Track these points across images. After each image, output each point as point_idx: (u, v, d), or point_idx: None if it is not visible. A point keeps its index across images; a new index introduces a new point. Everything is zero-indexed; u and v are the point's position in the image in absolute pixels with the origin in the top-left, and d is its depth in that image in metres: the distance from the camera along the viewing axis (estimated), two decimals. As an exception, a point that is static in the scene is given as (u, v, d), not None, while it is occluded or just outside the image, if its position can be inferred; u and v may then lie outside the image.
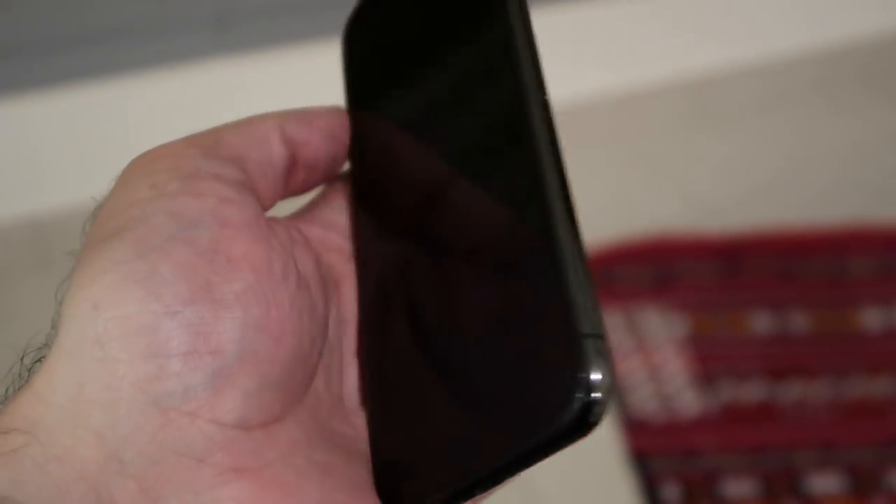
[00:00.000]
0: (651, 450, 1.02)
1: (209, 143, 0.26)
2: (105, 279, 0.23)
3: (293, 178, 0.28)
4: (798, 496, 0.99)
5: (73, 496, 0.22)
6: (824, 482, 1.00)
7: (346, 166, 0.30)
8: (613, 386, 0.21)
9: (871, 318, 1.15)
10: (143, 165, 0.25)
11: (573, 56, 1.25)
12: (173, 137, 0.26)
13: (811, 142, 1.37)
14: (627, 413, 1.02)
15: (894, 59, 1.45)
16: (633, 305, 1.12)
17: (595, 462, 0.98)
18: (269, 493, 0.23)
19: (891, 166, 1.34)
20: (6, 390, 0.24)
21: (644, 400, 1.04)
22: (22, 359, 0.24)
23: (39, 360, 0.24)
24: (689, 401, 1.06)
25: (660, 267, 1.18)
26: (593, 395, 0.20)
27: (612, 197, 1.22)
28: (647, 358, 1.08)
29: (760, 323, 1.14)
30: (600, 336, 0.21)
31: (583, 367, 0.21)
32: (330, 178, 0.30)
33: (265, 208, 0.27)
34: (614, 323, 1.08)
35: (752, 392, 1.08)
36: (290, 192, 0.29)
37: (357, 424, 0.27)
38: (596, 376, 0.20)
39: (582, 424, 0.21)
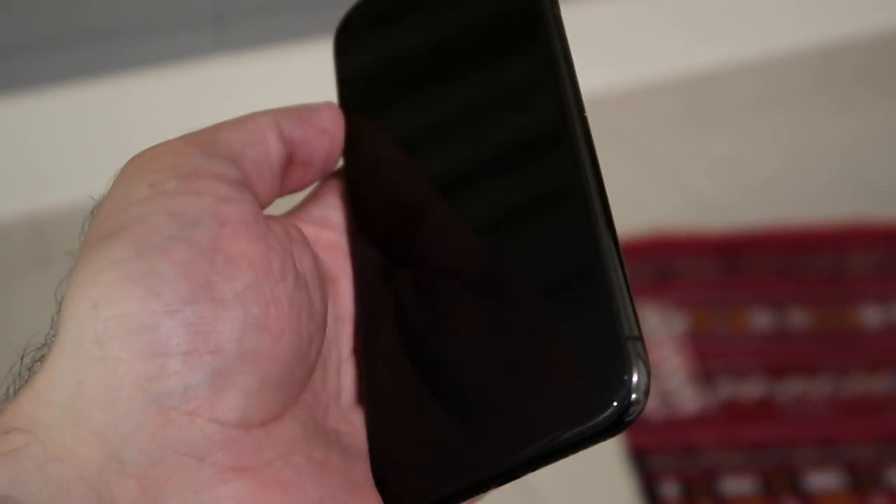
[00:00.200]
0: (650, 447, 1.02)
1: (207, 142, 0.26)
2: (104, 278, 0.23)
3: (290, 175, 0.28)
4: (797, 493, 0.99)
5: (74, 496, 0.22)
6: (824, 479, 1.00)
7: (340, 163, 0.30)
8: (649, 387, 0.21)
9: (871, 316, 1.15)
10: (142, 164, 0.25)
11: (572, 54, 1.24)
12: (173, 136, 0.26)
13: (810, 139, 1.37)
14: (627, 410, 1.02)
15: (893, 56, 1.45)
16: (633, 303, 1.12)
17: (594, 459, 0.98)
18: (269, 491, 0.23)
19: (890, 163, 1.34)
20: (7, 390, 0.24)
21: (644, 397, 1.04)
22: (22, 358, 0.24)
23: (39, 360, 0.24)
24: (688, 398, 1.06)
25: (659, 264, 1.18)
26: (633, 395, 0.21)
27: (612, 194, 1.21)
28: (647, 355, 1.08)
29: (760, 320, 1.14)
30: (640, 338, 0.22)
31: (625, 370, 0.21)
32: (325, 174, 0.30)
33: (262, 206, 0.27)
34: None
35: (751, 389, 1.08)
36: (286, 189, 0.29)
37: (354, 421, 0.27)
38: (636, 378, 0.21)
39: (618, 423, 0.21)
